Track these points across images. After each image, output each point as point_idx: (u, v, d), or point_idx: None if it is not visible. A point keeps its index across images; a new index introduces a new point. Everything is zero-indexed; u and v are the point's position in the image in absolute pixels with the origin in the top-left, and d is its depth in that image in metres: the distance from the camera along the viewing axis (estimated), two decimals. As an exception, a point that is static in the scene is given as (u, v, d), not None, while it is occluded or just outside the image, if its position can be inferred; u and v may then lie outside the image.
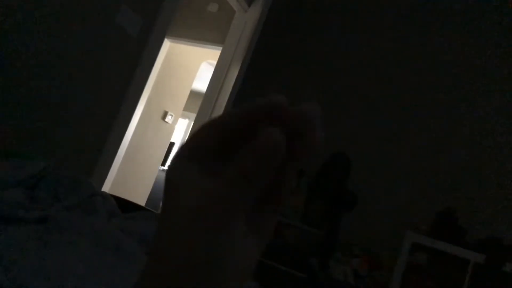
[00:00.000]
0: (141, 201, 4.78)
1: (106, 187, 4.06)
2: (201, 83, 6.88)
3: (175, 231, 0.24)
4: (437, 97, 3.13)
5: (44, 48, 1.83)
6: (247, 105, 0.26)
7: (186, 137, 0.27)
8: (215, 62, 3.52)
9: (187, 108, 6.67)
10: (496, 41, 3.05)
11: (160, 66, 4.71)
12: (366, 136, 3.27)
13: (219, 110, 3.08)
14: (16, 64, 1.74)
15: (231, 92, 3.01)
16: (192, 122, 3.34)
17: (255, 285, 1.60)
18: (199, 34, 4.36)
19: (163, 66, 4.79)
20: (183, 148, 0.26)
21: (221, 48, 3.50)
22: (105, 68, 2.17)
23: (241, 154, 0.24)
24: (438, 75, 3.17)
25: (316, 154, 0.25)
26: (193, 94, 7.35)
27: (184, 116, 8.59)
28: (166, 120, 5.18)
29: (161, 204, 0.27)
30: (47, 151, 1.96)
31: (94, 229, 0.91)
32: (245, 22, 3.34)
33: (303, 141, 0.25)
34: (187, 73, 5.30)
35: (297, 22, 3.71)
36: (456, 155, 3.00)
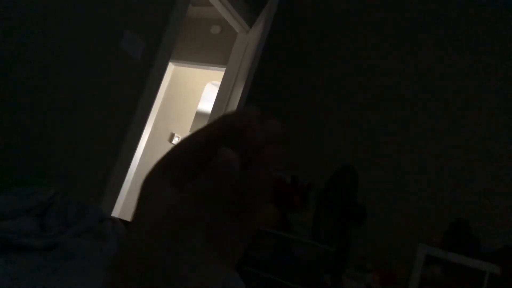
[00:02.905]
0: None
1: (116, 212, 4.07)
2: (207, 104, 6.94)
3: (136, 238, 0.25)
4: (446, 107, 3.13)
5: (50, 75, 1.86)
6: (209, 124, 0.27)
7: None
8: (219, 83, 3.55)
9: (193, 129, 6.71)
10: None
11: (165, 89, 4.76)
12: (375, 148, 3.26)
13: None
14: (22, 90, 1.77)
15: (236, 112, 3.03)
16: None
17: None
18: (202, 56, 4.41)
19: (169, 89, 4.84)
20: (157, 163, 0.28)
21: (224, 69, 3.54)
22: (111, 93, 2.20)
23: (202, 171, 0.25)
24: (445, 85, 3.17)
25: (274, 174, 0.25)
26: (199, 115, 7.39)
27: (191, 137, 8.67)
28: (173, 142, 5.21)
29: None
30: (55, 177, 1.98)
31: (104, 255, 0.92)
32: (247, 43, 3.38)
33: (258, 159, 0.25)
34: (192, 95, 5.35)
35: (298, 41, 3.75)
36: (466, 164, 2.98)
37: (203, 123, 4.48)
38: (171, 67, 4.68)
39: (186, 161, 0.27)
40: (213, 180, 0.24)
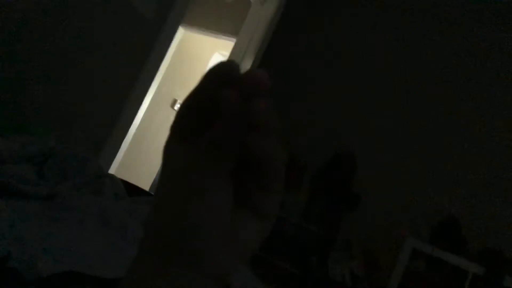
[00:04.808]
0: (145, 186, 4.79)
1: (112, 170, 4.07)
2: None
3: (163, 198, 0.26)
4: (444, 97, 3.11)
5: (58, 26, 1.83)
6: (203, 77, 0.28)
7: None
8: (227, 54, 3.51)
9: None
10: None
11: (172, 53, 4.71)
12: (374, 136, 3.26)
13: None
14: (30, 41, 1.74)
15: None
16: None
17: (253, 277, 1.60)
18: (213, 24, 4.34)
19: (176, 54, 4.78)
20: (171, 128, 0.29)
21: (234, 39, 3.49)
22: (118, 50, 2.17)
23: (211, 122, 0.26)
24: (442, 74, 3.14)
25: (271, 121, 0.25)
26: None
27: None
28: (175, 108, 5.18)
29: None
30: (56, 129, 1.97)
31: (102, 210, 0.91)
32: (261, 15, 3.33)
33: (252, 102, 0.25)
34: (198, 62, 5.29)
35: (314, 18, 3.69)
36: (462, 161, 2.99)
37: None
38: (180, 31, 4.61)
39: (193, 118, 0.28)
40: (220, 124, 0.25)
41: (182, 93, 5.23)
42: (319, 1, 3.72)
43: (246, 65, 3.13)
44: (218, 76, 0.26)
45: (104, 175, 1.43)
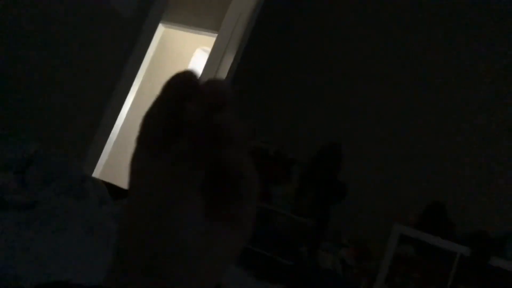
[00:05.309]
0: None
1: (97, 171, 4.04)
2: (196, 69, 6.82)
3: (132, 213, 0.25)
4: (430, 89, 3.14)
5: (35, 28, 1.80)
6: (162, 90, 0.27)
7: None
8: (209, 49, 3.49)
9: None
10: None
11: (154, 51, 4.66)
12: (360, 126, 3.28)
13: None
14: (7, 43, 1.71)
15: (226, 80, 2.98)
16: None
17: (239, 270, 1.61)
18: (194, 20, 4.31)
19: (157, 52, 4.73)
20: (137, 139, 0.28)
21: (216, 34, 3.47)
22: (98, 50, 2.14)
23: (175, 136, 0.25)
24: (430, 69, 3.17)
25: (242, 130, 0.25)
26: (186, 80, 7.27)
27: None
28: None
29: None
30: (37, 133, 1.94)
31: (85, 216, 0.91)
32: (241, 9, 3.31)
33: (216, 115, 0.24)
34: (181, 59, 5.24)
35: (296, 11, 3.68)
36: (448, 148, 3.02)
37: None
38: (161, 29, 4.56)
39: (158, 130, 0.27)
40: (186, 137, 0.24)
41: (165, 91, 5.17)
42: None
43: (228, 60, 3.11)
44: (178, 88, 0.26)
45: (87, 178, 1.41)
